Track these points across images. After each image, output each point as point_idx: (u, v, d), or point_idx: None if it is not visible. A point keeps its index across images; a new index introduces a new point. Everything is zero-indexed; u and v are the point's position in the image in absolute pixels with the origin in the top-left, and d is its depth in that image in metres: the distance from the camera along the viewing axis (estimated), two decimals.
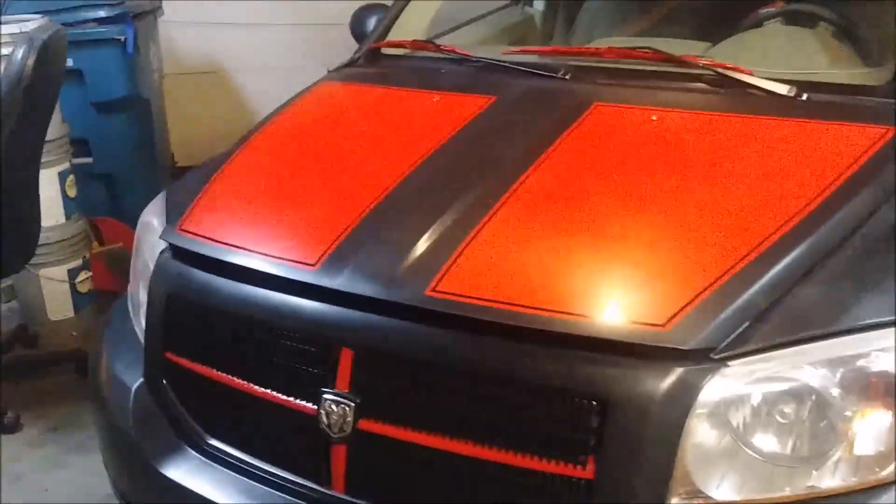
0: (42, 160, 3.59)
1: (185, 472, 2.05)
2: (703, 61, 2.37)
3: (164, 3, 5.17)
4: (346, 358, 1.85)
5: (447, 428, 1.76)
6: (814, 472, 1.64)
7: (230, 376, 2.03)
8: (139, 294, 2.35)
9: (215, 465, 2.05)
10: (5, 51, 3.52)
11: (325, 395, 1.85)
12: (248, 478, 2.01)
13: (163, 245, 2.26)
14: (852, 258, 1.79)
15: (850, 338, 1.67)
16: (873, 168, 1.95)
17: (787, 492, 1.64)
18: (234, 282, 2.05)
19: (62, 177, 4.03)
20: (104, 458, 2.41)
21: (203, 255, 2.14)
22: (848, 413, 1.64)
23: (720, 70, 2.32)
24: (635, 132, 2.21)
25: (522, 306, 1.74)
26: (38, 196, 3.54)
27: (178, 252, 2.21)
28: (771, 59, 2.53)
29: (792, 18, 2.85)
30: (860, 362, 1.65)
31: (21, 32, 3.58)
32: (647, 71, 2.45)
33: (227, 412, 2.08)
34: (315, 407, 1.86)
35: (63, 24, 3.59)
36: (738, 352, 1.64)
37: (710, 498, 1.64)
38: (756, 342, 1.65)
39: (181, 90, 5.67)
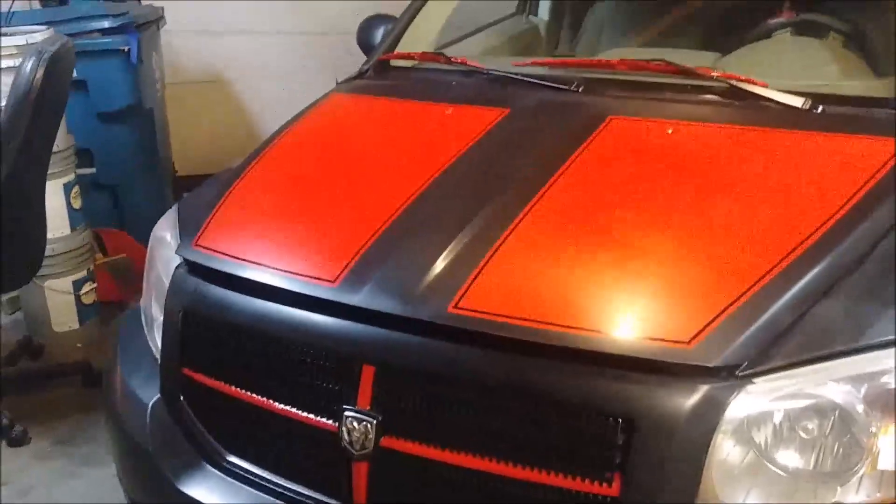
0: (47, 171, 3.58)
1: (205, 489, 2.05)
2: (717, 73, 2.37)
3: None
4: (367, 375, 1.84)
5: (471, 445, 1.75)
6: (838, 489, 1.63)
7: (249, 393, 2.03)
8: (152, 308, 2.35)
9: (235, 481, 2.05)
10: (12, 62, 3.53)
11: (347, 413, 1.84)
12: (267, 495, 2.00)
13: (178, 260, 2.26)
14: (873, 273, 1.79)
15: (874, 354, 1.66)
16: (892, 181, 1.96)
17: None
18: (252, 297, 2.05)
19: (67, 188, 4.03)
20: (120, 473, 2.40)
21: (220, 271, 2.13)
22: (872, 429, 1.63)
23: (734, 82, 2.32)
24: (651, 146, 2.21)
25: (547, 323, 1.74)
26: (44, 208, 3.53)
27: (194, 267, 2.21)
28: (783, 70, 2.54)
29: (801, 29, 2.86)
30: (884, 378, 1.65)
31: (27, 44, 3.58)
32: (658, 83, 2.45)
33: (245, 429, 2.07)
34: (336, 424, 1.86)
35: (67, 35, 3.58)
36: (763, 369, 1.65)
37: None
38: (780, 359, 1.65)
39: (181, 100, 5.67)
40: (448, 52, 2.91)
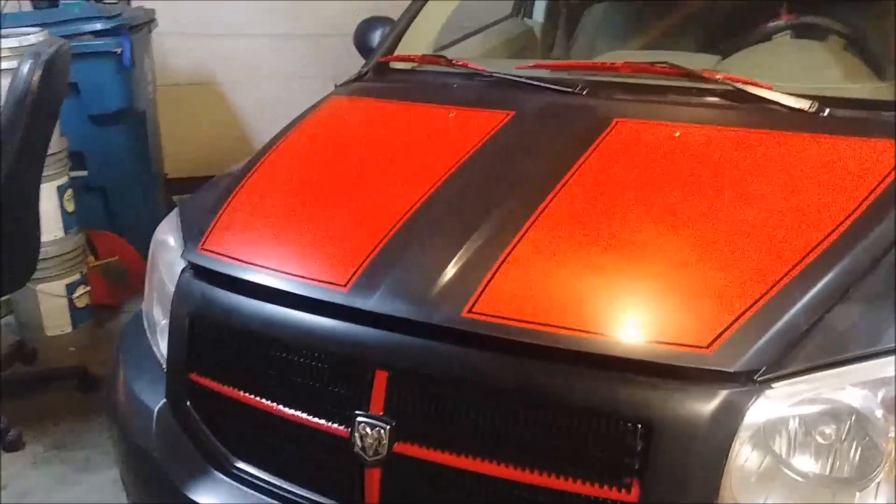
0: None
1: (213, 496, 2.03)
2: (722, 76, 2.37)
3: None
4: (380, 380, 1.83)
5: (485, 451, 1.74)
6: (857, 494, 1.63)
7: (258, 398, 2.01)
8: (154, 312, 2.33)
9: (243, 487, 2.03)
10: (6, 65, 3.50)
11: (359, 418, 1.83)
12: (276, 501, 1.98)
13: (182, 264, 2.24)
14: (888, 277, 1.79)
15: (891, 358, 1.66)
16: None
17: None
18: (260, 302, 2.03)
19: (61, 191, 4.01)
20: (124, 479, 2.38)
21: (228, 275, 2.11)
22: (890, 433, 1.63)
23: (739, 85, 2.32)
24: (659, 149, 2.20)
25: (564, 328, 1.73)
26: (38, 211, 3.51)
27: (200, 271, 2.19)
28: (784, 73, 2.53)
29: (801, 32, 2.86)
30: None
31: (21, 46, 3.56)
32: (661, 85, 2.44)
33: (254, 435, 2.05)
34: (348, 430, 1.85)
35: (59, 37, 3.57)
36: (781, 374, 1.64)
37: None
38: (798, 364, 1.65)
39: (173, 102, 5.64)
40: (443, 54, 2.90)
